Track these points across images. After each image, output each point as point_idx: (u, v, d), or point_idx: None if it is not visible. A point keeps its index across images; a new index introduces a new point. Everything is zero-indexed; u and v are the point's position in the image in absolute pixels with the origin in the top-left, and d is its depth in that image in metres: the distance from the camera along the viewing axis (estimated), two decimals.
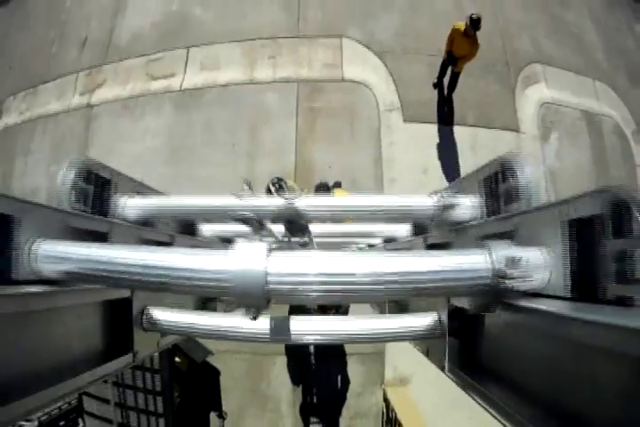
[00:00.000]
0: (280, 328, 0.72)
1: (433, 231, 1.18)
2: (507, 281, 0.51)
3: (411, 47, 4.92)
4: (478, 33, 4.13)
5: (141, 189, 1.27)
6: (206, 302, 1.29)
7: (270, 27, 4.93)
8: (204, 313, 0.86)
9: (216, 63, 4.86)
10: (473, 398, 0.67)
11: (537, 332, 0.52)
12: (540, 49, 6.17)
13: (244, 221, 1.11)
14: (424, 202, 1.01)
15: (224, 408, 4.38)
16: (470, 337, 0.73)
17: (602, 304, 0.47)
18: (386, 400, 4.16)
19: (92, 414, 4.18)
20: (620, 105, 7.00)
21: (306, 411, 4.14)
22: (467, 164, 4.64)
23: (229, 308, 1.43)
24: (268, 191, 3.12)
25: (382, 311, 1.41)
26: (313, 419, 4.12)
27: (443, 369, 0.79)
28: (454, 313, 0.74)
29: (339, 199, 0.84)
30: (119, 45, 5.68)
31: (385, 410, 4.12)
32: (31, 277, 0.60)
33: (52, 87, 6.39)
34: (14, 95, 7.07)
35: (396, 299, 1.27)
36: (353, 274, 0.50)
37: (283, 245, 1.16)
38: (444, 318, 0.77)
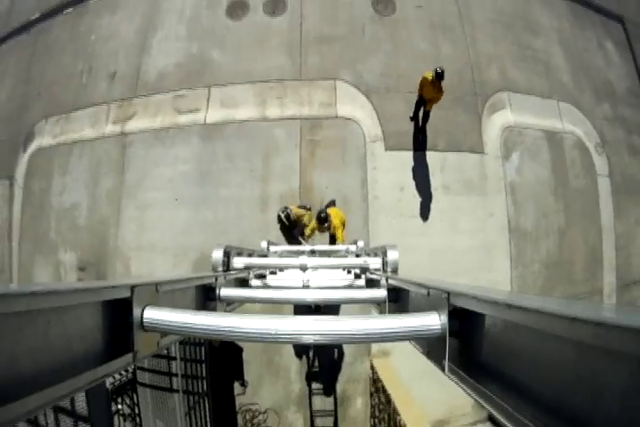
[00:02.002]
0: (280, 328, 0.80)
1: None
2: None
3: (392, 86, 6.56)
4: (443, 82, 5.79)
5: (241, 250, 2.36)
6: (206, 302, 1.39)
7: (277, 70, 6.57)
8: (204, 313, 0.90)
9: (233, 101, 6.49)
10: (473, 398, 0.73)
11: (537, 331, 0.55)
12: (506, 78, 7.77)
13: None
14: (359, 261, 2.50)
15: (245, 377, 6.09)
16: (470, 337, 0.79)
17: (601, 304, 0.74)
18: (372, 368, 5.83)
19: (143, 384, 5.87)
20: (584, 121, 8.66)
21: (310, 377, 5.84)
22: (436, 182, 6.33)
23: (229, 308, 1.57)
24: (279, 218, 4.74)
25: (382, 311, 1.49)
26: (315, 384, 5.83)
27: (443, 369, 0.85)
28: (454, 313, 0.81)
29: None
30: (147, 81, 7.31)
31: (371, 376, 5.80)
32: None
33: (85, 115, 8.00)
34: (46, 119, 8.73)
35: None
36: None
37: None
38: (444, 318, 0.82)
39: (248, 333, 0.79)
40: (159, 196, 6.39)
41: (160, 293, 0.96)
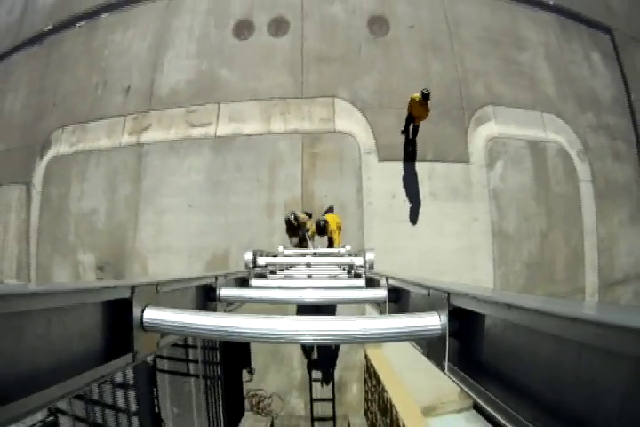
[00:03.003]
0: (280, 328, 0.83)
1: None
2: None
3: (385, 103, 7.50)
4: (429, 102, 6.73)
5: (262, 252, 3.20)
6: (206, 302, 1.46)
7: (280, 89, 7.50)
8: (203, 313, 0.92)
9: (241, 117, 7.43)
10: (473, 398, 0.75)
11: (537, 332, 0.57)
12: (492, 92, 8.69)
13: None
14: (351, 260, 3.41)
15: (253, 365, 7.06)
16: (470, 337, 0.81)
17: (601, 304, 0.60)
18: (366, 357, 6.79)
19: (162, 370, 6.82)
20: (567, 130, 9.59)
21: (310, 366, 6.80)
22: (424, 190, 7.28)
23: (229, 308, 1.65)
24: (287, 221, 5.68)
25: (382, 311, 1.54)
26: (315, 371, 6.80)
27: (443, 369, 0.88)
28: (454, 313, 0.83)
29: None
30: (160, 96, 8.25)
31: (366, 364, 6.77)
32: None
33: (101, 126, 8.92)
34: (62, 129, 9.67)
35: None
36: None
37: None
38: (444, 318, 0.85)
39: (248, 333, 0.82)
40: (174, 202, 7.34)
41: (160, 293, 0.99)
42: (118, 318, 0.85)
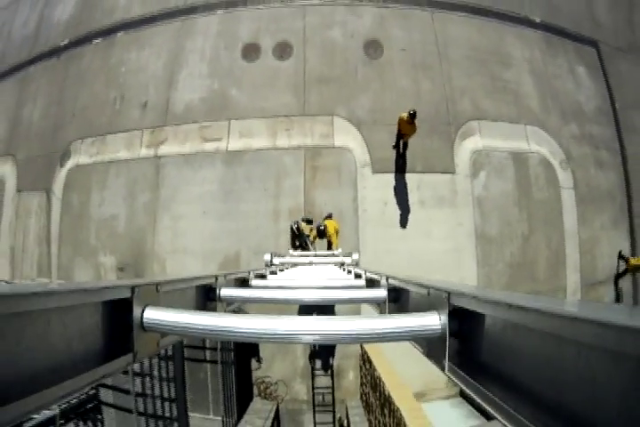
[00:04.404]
0: (280, 328, 0.85)
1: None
2: None
3: (379, 120, 8.76)
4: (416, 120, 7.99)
5: (276, 254, 4.34)
6: (206, 302, 1.49)
7: (285, 107, 8.77)
8: (203, 313, 0.95)
9: (250, 133, 8.70)
10: (474, 398, 0.78)
11: (537, 331, 0.59)
12: (478, 108, 9.91)
13: None
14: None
15: (261, 355, 8.34)
16: (470, 337, 0.84)
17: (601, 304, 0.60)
18: (362, 348, 8.06)
19: (188, 359, 8.09)
20: (550, 141, 10.82)
21: (312, 355, 8.06)
22: (414, 198, 8.55)
23: (229, 308, 1.69)
24: (291, 229, 7.03)
25: (382, 311, 1.58)
26: (316, 360, 8.08)
27: (443, 369, 0.91)
28: (454, 313, 0.86)
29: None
30: (176, 112, 9.53)
31: (361, 352, 8.04)
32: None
33: (120, 138, 10.19)
34: (82, 140, 10.95)
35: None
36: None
37: None
38: (444, 317, 0.87)
39: (248, 333, 0.85)
40: (190, 209, 8.62)
41: (160, 293, 1.03)
42: (118, 318, 0.88)
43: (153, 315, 0.91)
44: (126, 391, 6.08)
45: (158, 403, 6.20)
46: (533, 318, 0.59)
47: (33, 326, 0.64)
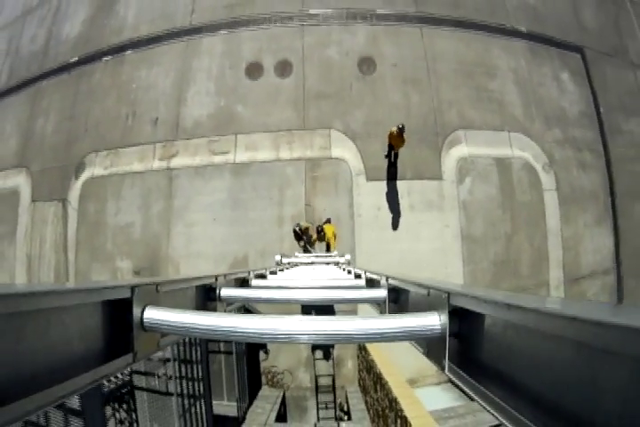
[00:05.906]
0: (280, 328, 0.88)
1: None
2: None
3: (372, 132, 10.07)
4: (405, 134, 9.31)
5: (284, 255, 5.61)
6: (206, 302, 1.55)
7: (286, 122, 10.07)
8: (204, 313, 0.99)
9: (255, 146, 10.02)
10: (474, 398, 0.81)
11: (537, 331, 0.61)
12: (464, 118, 11.18)
13: None
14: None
15: (268, 347, 9.69)
16: (470, 337, 0.87)
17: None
18: None
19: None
20: (533, 146, 12.08)
21: (314, 346, 9.35)
22: (404, 203, 9.89)
23: (229, 308, 1.75)
24: (294, 231, 8.41)
25: (382, 311, 1.64)
26: (318, 351, 9.44)
27: (443, 369, 0.94)
28: (454, 313, 0.89)
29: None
30: (185, 127, 10.85)
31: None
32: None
33: (133, 152, 11.45)
34: (96, 153, 12.27)
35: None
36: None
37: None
38: (444, 318, 0.90)
39: (248, 333, 0.88)
40: (202, 216, 9.95)
41: (160, 293, 1.06)
42: (118, 318, 0.90)
43: (153, 315, 0.94)
44: (156, 376, 7.42)
45: (185, 384, 7.52)
46: (533, 318, 0.60)
47: (33, 326, 0.66)
